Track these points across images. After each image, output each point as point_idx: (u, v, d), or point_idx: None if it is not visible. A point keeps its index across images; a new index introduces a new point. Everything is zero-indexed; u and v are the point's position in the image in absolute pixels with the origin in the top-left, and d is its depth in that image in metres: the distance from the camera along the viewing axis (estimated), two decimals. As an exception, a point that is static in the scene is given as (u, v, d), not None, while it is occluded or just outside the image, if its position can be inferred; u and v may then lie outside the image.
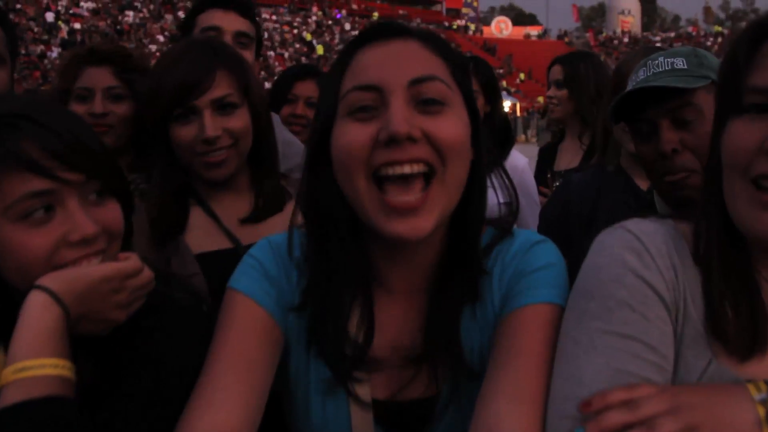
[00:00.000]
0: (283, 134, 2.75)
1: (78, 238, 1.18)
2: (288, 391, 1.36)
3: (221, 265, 1.51)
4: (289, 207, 1.93)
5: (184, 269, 1.77)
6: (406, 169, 1.15)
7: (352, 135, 1.17)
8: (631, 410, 0.99)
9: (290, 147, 2.76)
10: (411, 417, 1.29)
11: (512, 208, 1.33)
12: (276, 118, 2.81)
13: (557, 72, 3.69)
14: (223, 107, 1.81)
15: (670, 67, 1.76)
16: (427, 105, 1.18)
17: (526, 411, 1.10)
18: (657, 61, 1.79)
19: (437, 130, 1.16)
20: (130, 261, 1.23)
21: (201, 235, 1.87)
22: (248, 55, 2.61)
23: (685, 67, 1.75)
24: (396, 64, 1.19)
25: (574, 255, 2.08)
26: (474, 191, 1.26)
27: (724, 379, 1.08)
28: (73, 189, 1.19)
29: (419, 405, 1.28)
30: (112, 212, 1.26)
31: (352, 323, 1.27)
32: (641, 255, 1.13)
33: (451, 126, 1.18)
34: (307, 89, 3.22)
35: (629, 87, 1.83)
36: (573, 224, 2.39)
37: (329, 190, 1.23)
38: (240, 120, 1.84)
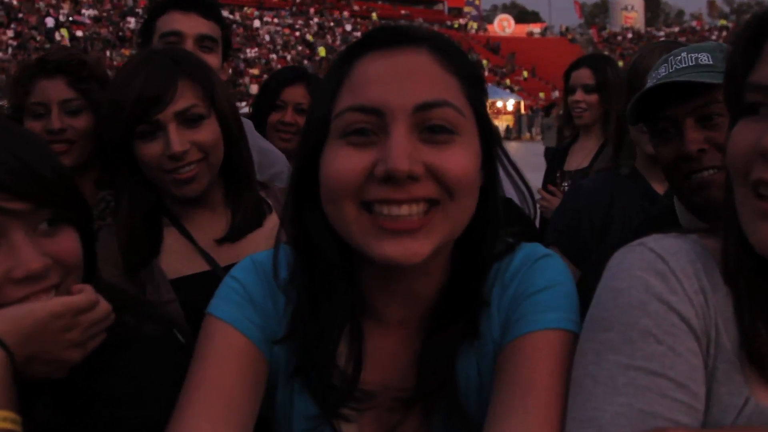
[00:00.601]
0: (257, 142, 2.62)
1: (22, 274, 1.05)
2: (275, 421, 1.24)
3: (199, 290, 1.41)
4: (270, 221, 1.84)
5: (159, 296, 1.65)
6: (404, 211, 1.01)
7: (345, 163, 1.03)
8: None
9: (266, 156, 2.64)
10: None
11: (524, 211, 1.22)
12: (249, 125, 2.69)
13: (586, 76, 3.54)
14: (188, 120, 1.68)
15: (694, 62, 1.63)
16: (433, 134, 1.03)
17: None
18: (680, 57, 1.66)
19: (443, 165, 1.02)
20: (83, 294, 1.10)
21: (176, 259, 1.74)
22: (213, 59, 2.44)
23: (711, 62, 1.62)
24: (401, 83, 1.03)
25: (590, 265, 1.98)
26: (483, 220, 1.12)
27: (765, 420, 0.95)
28: (17, 220, 1.06)
29: None
30: (67, 242, 1.13)
31: (340, 356, 1.15)
32: (666, 278, 0.99)
33: (460, 159, 1.04)
34: (296, 95, 3.06)
35: (649, 84, 1.70)
36: (585, 233, 2.26)
37: (316, 215, 1.11)
38: (208, 132, 1.71)
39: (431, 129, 1.03)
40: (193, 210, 1.80)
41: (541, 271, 1.14)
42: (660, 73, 1.68)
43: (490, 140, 1.12)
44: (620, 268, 1.04)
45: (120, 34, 43.15)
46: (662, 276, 1.00)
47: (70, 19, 43.97)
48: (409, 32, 1.09)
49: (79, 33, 42.00)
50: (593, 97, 3.50)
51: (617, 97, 3.38)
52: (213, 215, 1.81)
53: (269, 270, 1.20)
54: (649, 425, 0.92)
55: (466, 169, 1.04)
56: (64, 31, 40.84)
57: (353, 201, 1.03)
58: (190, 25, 2.44)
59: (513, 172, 1.19)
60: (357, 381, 1.14)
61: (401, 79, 1.03)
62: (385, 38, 1.08)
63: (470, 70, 1.11)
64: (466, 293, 1.14)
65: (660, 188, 2.24)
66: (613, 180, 2.37)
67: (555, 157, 3.77)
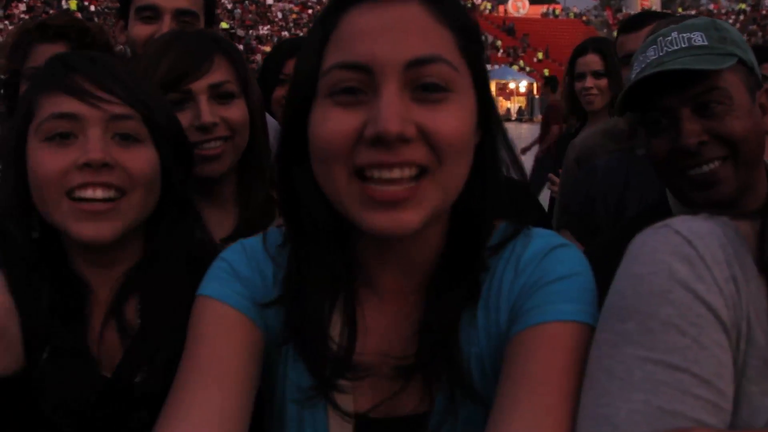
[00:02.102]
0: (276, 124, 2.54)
1: (84, 160, 1.22)
2: (266, 399, 1.21)
3: None
4: (280, 221, 1.77)
5: None
6: (395, 174, 0.96)
7: (333, 124, 0.98)
8: None
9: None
10: None
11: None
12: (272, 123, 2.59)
13: (595, 62, 3.52)
14: (220, 96, 1.66)
15: (687, 43, 1.49)
16: (426, 92, 0.98)
17: None
18: (670, 37, 1.51)
19: (436, 125, 0.97)
20: None
21: None
22: None
23: (705, 43, 1.48)
24: (391, 37, 0.97)
25: (598, 244, 1.91)
26: (481, 180, 1.08)
27: None
28: (98, 119, 1.24)
29: (409, 421, 1.12)
30: (138, 156, 1.28)
31: (334, 326, 1.11)
32: (693, 263, 0.91)
33: (454, 119, 0.99)
34: None
35: (636, 69, 1.56)
36: (599, 217, 2.18)
37: (306, 180, 1.07)
38: (238, 110, 1.69)
39: (424, 87, 0.98)
40: (201, 205, 1.72)
41: (559, 260, 1.08)
42: (648, 56, 1.54)
43: (486, 97, 1.06)
44: (642, 251, 0.95)
45: (132, 8, 42.98)
46: (689, 261, 0.91)
47: (83, -7, 43.87)
48: None
49: (92, 7, 41.92)
50: (603, 82, 3.49)
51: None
52: (220, 212, 1.76)
53: (258, 249, 1.18)
54: (668, 424, 0.84)
55: (459, 130, 0.99)
56: (72, 4, 40.72)
57: (344, 166, 0.99)
58: None
59: (506, 148, 1.13)
60: (352, 351, 1.10)
61: (391, 34, 0.97)
62: None
63: (465, 21, 1.05)
64: (466, 257, 1.09)
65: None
66: (629, 161, 2.27)
67: (564, 144, 3.72)
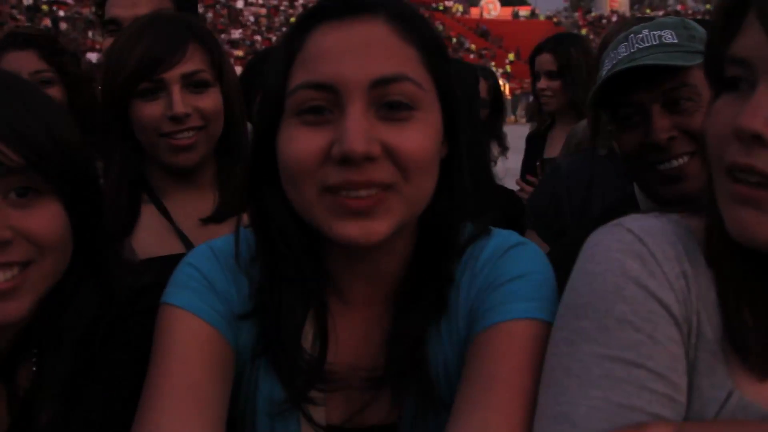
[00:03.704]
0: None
1: None
2: (235, 414, 1.19)
3: (169, 272, 1.30)
4: None
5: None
6: (362, 193, 0.97)
7: (301, 143, 0.99)
8: None
9: None
10: None
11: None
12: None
13: (548, 62, 3.43)
14: (193, 84, 1.64)
15: (657, 41, 1.52)
16: (391, 110, 0.99)
17: None
18: (641, 35, 1.54)
19: (401, 144, 0.98)
20: None
21: (150, 238, 1.67)
22: None
23: (675, 40, 1.52)
24: (356, 56, 0.98)
25: (561, 245, 1.96)
26: (448, 191, 1.09)
27: (750, 414, 0.88)
28: None
29: (379, 431, 1.13)
30: (41, 217, 1.03)
31: (306, 337, 1.11)
32: (645, 260, 0.93)
33: (418, 137, 1.00)
34: None
35: (607, 65, 1.59)
36: (565, 215, 2.23)
37: (276, 197, 1.07)
38: (212, 100, 1.66)
39: (389, 105, 0.98)
40: (178, 187, 1.74)
41: (513, 260, 1.10)
42: (620, 53, 1.57)
43: (453, 111, 1.08)
44: (596, 250, 0.97)
45: (102, 14, 42.59)
46: (641, 258, 0.93)
47: (52, -2, 43.43)
48: (364, 0, 1.03)
49: (61, 13, 41.49)
50: (556, 83, 3.38)
51: (581, 80, 3.26)
52: (199, 195, 1.75)
53: (229, 255, 1.15)
54: (627, 420, 0.86)
55: (424, 147, 1.01)
56: (44, 8, 40.31)
57: (313, 183, 1.00)
58: (126, 7, 2.20)
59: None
60: (323, 362, 1.10)
61: (356, 53, 0.98)
62: (338, 7, 1.02)
63: (430, 37, 1.06)
64: (432, 269, 1.11)
65: (638, 168, 2.21)
66: (592, 160, 2.32)
67: (532, 145, 3.71)
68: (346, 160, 0.95)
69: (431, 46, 1.05)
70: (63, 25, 39.54)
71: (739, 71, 0.88)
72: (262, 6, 55.90)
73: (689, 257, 0.94)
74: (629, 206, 1.12)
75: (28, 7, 40.22)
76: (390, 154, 0.98)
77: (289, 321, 1.09)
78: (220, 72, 1.69)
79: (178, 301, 1.10)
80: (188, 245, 1.68)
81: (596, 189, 2.24)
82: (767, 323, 0.89)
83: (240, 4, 55.96)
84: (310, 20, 1.03)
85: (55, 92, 2.16)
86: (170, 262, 1.63)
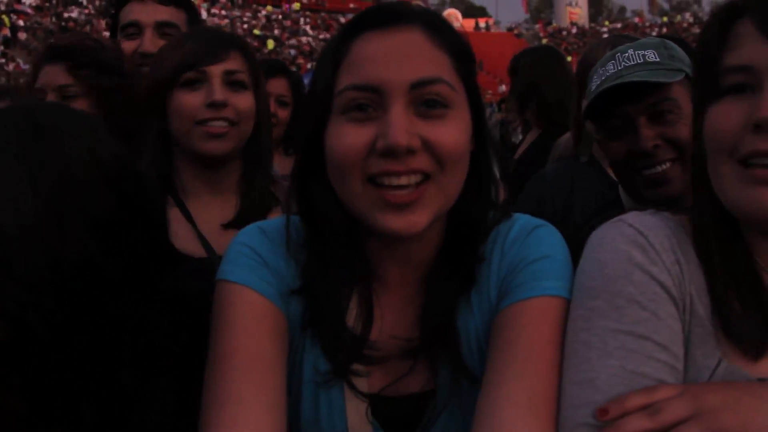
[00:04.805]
0: None
1: None
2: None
3: (190, 276, 1.38)
4: (274, 214, 1.87)
5: None
6: (403, 181, 1.10)
7: (348, 138, 1.12)
8: (651, 416, 0.95)
9: None
10: (408, 411, 1.26)
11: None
12: None
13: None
14: (232, 83, 1.80)
15: (641, 59, 1.71)
16: (429, 108, 1.12)
17: (541, 420, 1.05)
18: (627, 54, 1.74)
19: (438, 138, 1.11)
20: None
21: (173, 239, 1.75)
22: None
23: (657, 59, 1.71)
24: (397, 61, 1.11)
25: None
26: (476, 184, 1.22)
27: (736, 378, 1.04)
28: None
29: (416, 399, 1.25)
30: None
31: (350, 315, 1.23)
32: (646, 250, 1.10)
33: (453, 131, 1.13)
34: (279, 86, 3.18)
35: (596, 81, 1.78)
36: (548, 218, 2.38)
37: (322, 187, 1.19)
38: (246, 101, 1.82)
39: (427, 104, 1.11)
40: (203, 190, 1.84)
41: (539, 239, 1.23)
42: (608, 70, 1.75)
43: (479, 110, 1.21)
44: (603, 241, 1.13)
45: (63, 24, 42.01)
46: (643, 249, 1.09)
47: (11, 8, 42.68)
48: (402, 12, 1.16)
49: (20, 22, 40.81)
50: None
51: (517, 85, 3.55)
52: (221, 200, 1.85)
53: (278, 235, 1.25)
54: (639, 384, 1.01)
55: (458, 141, 1.13)
56: (5, 18, 39.59)
57: (358, 175, 1.12)
58: (147, 13, 2.45)
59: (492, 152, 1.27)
60: (366, 338, 1.21)
61: (397, 58, 1.11)
62: (379, 17, 1.15)
63: (461, 46, 1.19)
64: (462, 252, 1.23)
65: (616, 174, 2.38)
66: (573, 167, 2.50)
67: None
68: (389, 153, 1.08)
69: (461, 53, 1.19)
70: (22, 35, 38.96)
71: (742, 78, 1.03)
72: (225, 17, 55.63)
73: (681, 248, 1.12)
74: (612, 211, 1.30)
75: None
76: (428, 147, 1.11)
77: (334, 301, 1.20)
78: (256, 82, 1.83)
79: (234, 277, 1.20)
80: (209, 249, 1.77)
81: (577, 193, 2.41)
82: (754, 310, 1.05)
83: (203, 15, 55.68)
84: (353, 30, 1.17)
85: (78, 106, 2.14)
86: (189, 266, 1.67)
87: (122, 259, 1.13)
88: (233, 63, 1.80)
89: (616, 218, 1.17)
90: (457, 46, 1.18)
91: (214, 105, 1.75)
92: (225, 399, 1.09)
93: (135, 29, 2.46)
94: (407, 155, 1.09)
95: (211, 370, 1.14)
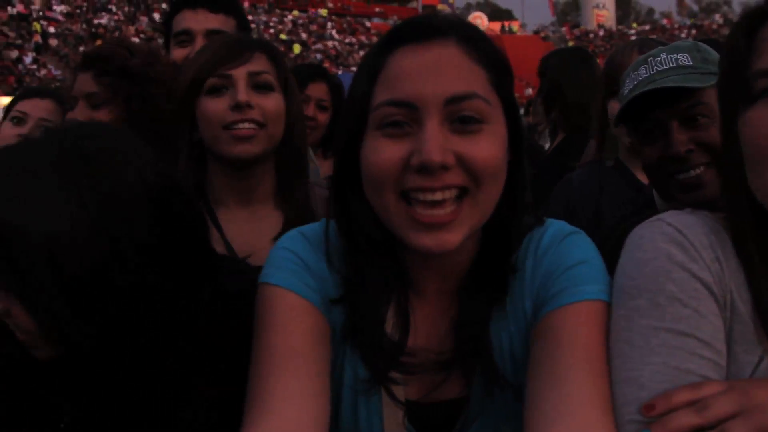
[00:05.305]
0: None
1: None
2: None
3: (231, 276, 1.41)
4: None
5: None
6: (438, 196, 1.10)
7: (383, 153, 1.11)
8: (698, 412, 0.96)
9: None
10: (442, 417, 1.27)
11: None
12: None
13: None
14: (258, 85, 1.77)
15: (674, 63, 1.69)
16: (463, 124, 1.10)
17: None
18: (659, 58, 1.71)
19: (472, 154, 1.10)
20: None
21: None
22: None
23: (690, 63, 1.69)
24: (432, 76, 1.10)
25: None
26: (511, 194, 1.20)
27: None
28: None
29: (450, 405, 1.26)
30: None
31: (387, 323, 1.23)
32: (686, 248, 1.09)
33: (488, 147, 1.11)
34: (319, 91, 3.18)
35: (629, 85, 1.76)
36: (578, 223, 2.38)
37: (359, 200, 1.20)
38: (274, 102, 1.78)
39: (461, 120, 1.10)
40: (235, 200, 1.83)
41: (574, 245, 1.22)
42: (640, 74, 1.72)
43: (516, 122, 1.19)
44: (642, 241, 1.13)
45: (93, 30, 42.62)
46: (682, 247, 1.09)
47: (42, 15, 43.38)
48: (437, 25, 1.14)
49: (51, 29, 41.45)
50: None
51: (543, 85, 3.49)
52: (253, 210, 1.84)
53: (319, 241, 1.26)
54: (683, 381, 1.01)
55: (493, 156, 1.11)
56: (37, 25, 40.22)
57: (393, 191, 1.11)
58: (198, 21, 2.50)
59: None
60: (404, 346, 1.22)
61: (432, 74, 1.09)
62: (413, 32, 1.13)
63: (496, 59, 1.16)
64: (495, 263, 1.23)
65: (644, 178, 2.26)
66: (600, 171, 2.48)
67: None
68: (424, 169, 1.07)
69: (497, 66, 1.16)
70: (53, 42, 39.57)
71: None
72: (252, 22, 56.02)
73: (720, 245, 1.10)
74: (643, 215, 1.30)
75: (19, 24, 40.13)
76: (462, 162, 1.09)
77: (373, 311, 1.20)
78: (285, 85, 1.82)
79: (276, 281, 1.21)
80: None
81: (607, 196, 2.38)
82: None
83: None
84: (388, 44, 1.16)
85: (104, 114, 2.18)
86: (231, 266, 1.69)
87: (172, 279, 1.21)
88: (257, 65, 1.77)
89: (653, 217, 1.16)
90: (492, 59, 1.16)
91: (238, 106, 1.73)
92: (269, 397, 1.10)
93: (186, 37, 2.51)
94: (441, 171, 1.08)
95: (254, 369, 1.16)
